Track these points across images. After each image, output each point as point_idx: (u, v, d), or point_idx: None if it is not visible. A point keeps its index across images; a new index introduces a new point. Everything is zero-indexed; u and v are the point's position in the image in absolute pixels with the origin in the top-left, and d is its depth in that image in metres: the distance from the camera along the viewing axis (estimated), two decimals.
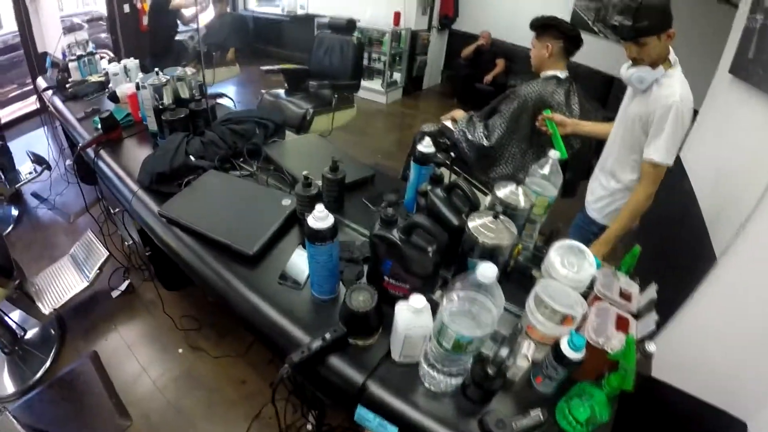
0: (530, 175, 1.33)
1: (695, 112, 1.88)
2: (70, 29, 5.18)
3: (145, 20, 5.03)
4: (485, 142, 2.29)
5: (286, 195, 1.64)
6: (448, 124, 2.53)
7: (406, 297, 1.01)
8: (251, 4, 7.84)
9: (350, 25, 4.00)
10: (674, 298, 1.53)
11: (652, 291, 1.12)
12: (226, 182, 1.78)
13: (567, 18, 5.79)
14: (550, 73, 2.28)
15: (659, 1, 1.60)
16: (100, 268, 2.48)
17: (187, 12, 4.98)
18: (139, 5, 6.04)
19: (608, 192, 1.98)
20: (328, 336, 1.05)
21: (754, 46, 1.90)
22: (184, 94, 2.13)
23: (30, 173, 3.70)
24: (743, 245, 1.38)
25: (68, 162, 3.58)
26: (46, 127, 3.92)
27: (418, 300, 0.97)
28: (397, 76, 6.38)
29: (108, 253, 2.55)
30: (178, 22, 4.96)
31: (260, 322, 1.23)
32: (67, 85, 2.88)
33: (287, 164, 1.90)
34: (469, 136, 2.35)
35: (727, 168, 1.89)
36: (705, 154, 2.20)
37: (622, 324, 1.06)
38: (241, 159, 1.96)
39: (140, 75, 2.54)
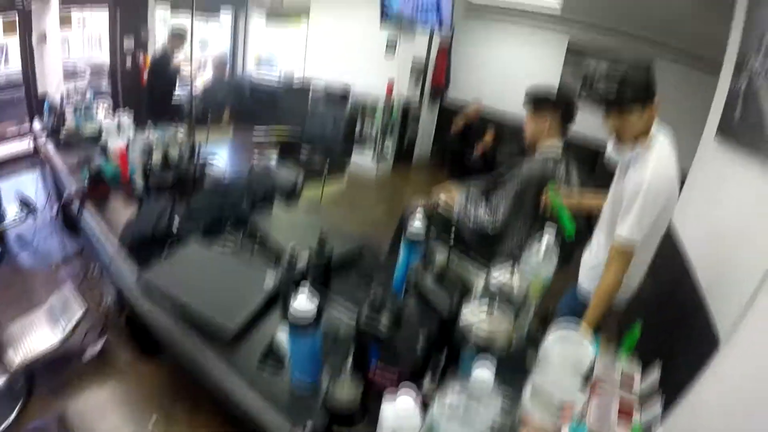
0: (524, 259, 1.30)
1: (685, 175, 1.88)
2: (72, 74, 5.28)
3: (145, 75, 5.20)
4: (489, 223, 2.26)
5: (270, 270, 1.58)
6: (444, 200, 2.50)
7: (394, 385, 0.93)
8: (250, 68, 8.09)
9: (344, 96, 4.09)
10: (678, 375, 1.45)
11: (655, 372, 1.06)
12: (209, 253, 1.72)
13: (555, 85, 6.08)
14: (547, 147, 2.27)
15: (643, 72, 1.63)
16: (76, 324, 2.36)
17: (187, 72, 5.11)
18: (141, 60, 6.23)
19: (599, 264, 1.93)
20: (307, 428, 0.97)
21: (740, 107, 1.93)
22: (175, 156, 2.12)
23: (15, 216, 3.64)
24: (753, 320, 1.31)
25: (54, 207, 3.56)
26: (39, 170, 3.88)
27: (405, 402, 0.87)
28: (388, 146, 6.45)
29: (85, 309, 2.45)
30: (178, 80, 5.09)
31: (236, 405, 1.15)
32: (62, 132, 2.91)
33: (273, 236, 1.85)
34: (472, 216, 2.31)
35: (721, 232, 1.87)
36: (697, 218, 2.19)
37: (625, 410, 0.99)
38: (227, 228, 1.92)
39: (132, 132, 2.54)
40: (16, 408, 2.20)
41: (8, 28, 5.64)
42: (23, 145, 5.23)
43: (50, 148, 2.81)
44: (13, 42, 5.37)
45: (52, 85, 5.00)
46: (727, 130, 2.10)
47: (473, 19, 6.62)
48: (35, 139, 3.69)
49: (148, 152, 2.06)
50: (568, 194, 2.08)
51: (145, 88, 5.10)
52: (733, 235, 1.78)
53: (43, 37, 5.47)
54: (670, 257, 2.11)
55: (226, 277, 1.58)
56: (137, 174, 2.11)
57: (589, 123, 2.51)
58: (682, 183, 1.77)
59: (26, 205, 3.60)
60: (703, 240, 2.03)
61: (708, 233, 2.03)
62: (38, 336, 2.34)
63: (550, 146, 2.26)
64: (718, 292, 1.70)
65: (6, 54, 6.09)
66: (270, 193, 2.25)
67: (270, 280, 1.52)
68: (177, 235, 1.76)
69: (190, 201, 1.95)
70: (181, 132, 2.30)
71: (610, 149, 1.77)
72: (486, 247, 2.28)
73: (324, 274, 1.57)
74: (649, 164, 1.61)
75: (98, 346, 2.59)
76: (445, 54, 6.58)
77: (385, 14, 5.94)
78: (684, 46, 5.09)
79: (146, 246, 1.70)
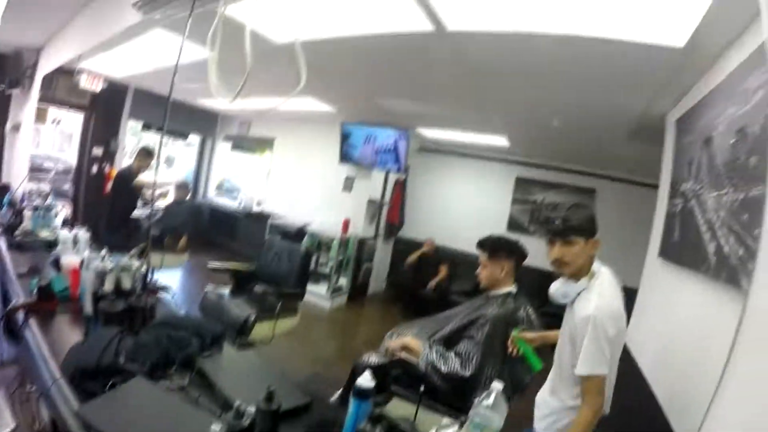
0: (474, 407, 1.27)
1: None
2: (37, 169, 5.17)
3: (109, 186, 5.18)
4: (465, 372, 2.20)
5: (215, 420, 1.47)
6: (404, 355, 2.40)
7: None
8: (211, 193, 8.20)
9: (300, 233, 4.14)
10: None
11: None
12: (153, 394, 1.58)
13: (505, 221, 6.42)
14: (504, 290, 2.38)
15: (587, 210, 1.76)
16: None
17: (149, 192, 5.09)
18: (106, 170, 6.22)
19: (552, 410, 1.88)
20: None
21: (678, 229, 2.06)
22: (127, 285, 2.05)
23: None
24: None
25: None
26: None
27: None
28: (343, 281, 6.43)
29: (15, 425, 2.17)
30: (140, 198, 5.07)
31: None
32: (16, 232, 2.81)
33: (220, 383, 1.74)
34: (444, 369, 2.24)
35: (673, 347, 1.89)
36: (650, 335, 2.22)
37: None
38: (173, 369, 1.80)
39: (87, 252, 2.46)
40: None
41: None
42: None
43: (2, 246, 2.71)
44: None
45: (16, 178, 4.88)
46: (668, 250, 2.22)
47: (427, 155, 7.10)
48: None
49: (101, 277, 1.99)
50: (530, 334, 2.12)
51: (106, 198, 5.08)
52: (684, 350, 1.81)
53: (16, 127, 5.48)
54: (629, 375, 2.11)
55: (169, 423, 1.45)
56: (87, 296, 2.02)
57: (535, 255, 2.65)
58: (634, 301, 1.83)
59: None
60: (658, 355, 2.06)
61: (661, 349, 2.06)
62: None
63: (507, 288, 2.38)
64: (676, 405, 1.69)
65: None
66: (221, 331, 2.16)
67: (215, 429, 1.41)
68: (122, 369, 1.64)
69: (139, 334, 1.86)
70: (135, 261, 2.25)
71: (553, 289, 1.82)
72: (462, 395, 2.21)
73: (271, 430, 1.48)
74: (593, 299, 1.66)
75: None
76: (399, 190, 6.90)
77: (345, 158, 6.28)
78: (624, 175, 5.67)
79: (89, 376, 1.58)
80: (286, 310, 3.77)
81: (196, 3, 2.06)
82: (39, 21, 4.18)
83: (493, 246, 2.40)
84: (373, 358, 2.30)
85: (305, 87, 1.94)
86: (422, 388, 1.98)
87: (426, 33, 2.40)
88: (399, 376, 2.25)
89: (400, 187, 6.93)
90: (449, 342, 2.38)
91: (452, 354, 2.29)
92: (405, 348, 2.37)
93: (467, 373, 2.20)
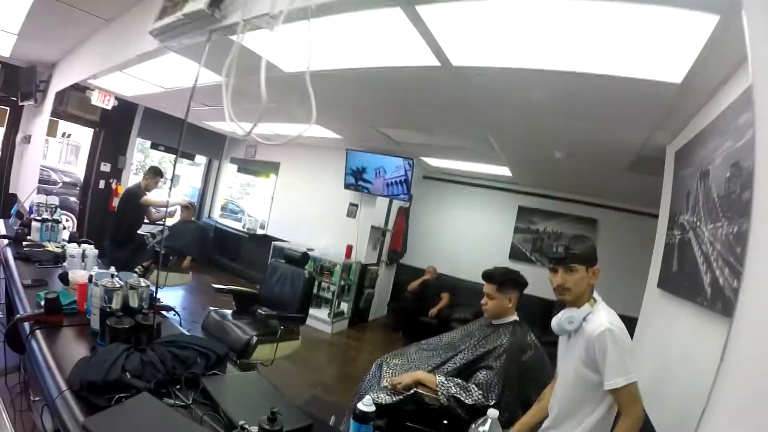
0: None
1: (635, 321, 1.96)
2: (43, 185, 5.25)
3: (115, 201, 5.30)
4: (489, 402, 2.25)
5: None
6: (421, 390, 2.41)
7: None
8: (215, 214, 8.25)
9: (304, 259, 4.18)
10: None
11: None
12: (159, 410, 1.61)
13: (507, 249, 6.46)
14: (510, 319, 2.52)
15: (589, 240, 1.83)
16: None
17: (155, 212, 5.24)
18: (114, 186, 6.28)
19: None
20: None
21: (676, 260, 2.09)
22: (134, 303, 2.08)
23: None
24: None
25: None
26: None
27: None
28: (344, 306, 6.46)
29: None
30: (145, 215, 5.19)
31: None
32: (24, 243, 2.84)
33: (224, 403, 1.78)
34: (469, 401, 2.28)
35: (670, 376, 1.91)
36: (647, 364, 2.23)
37: None
38: (178, 387, 1.83)
39: (96, 268, 2.50)
40: None
41: None
42: None
43: (9, 256, 2.74)
44: None
45: (25, 189, 4.93)
46: (666, 281, 2.26)
47: (430, 182, 7.23)
48: None
49: (109, 294, 2.04)
50: None
51: (112, 213, 5.17)
52: (679, 379, 1.83)
53: (27, 138, 5.59)
54: None
55: None
56: (94, 312, 2.06)
57: (535, 283, 2.72)
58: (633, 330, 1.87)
59: None
60: (655, 384, 2.06)
61: (659, 378, 2.07)
62: None
63: (512, 317, 2.54)
64: None
65: None
66: (225, 351, 2.20)
67: None
68: (129, 385, 1.68)
69: (145, 351, 1.89)
70: (143, 281, 2.30)
71: (556, 320, 1.86)
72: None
73: None
74: (603, 317, 1.73)
75: None
76: (403, 217, 6.97)
77: (360, 189, 6.38)
78: (625, 205, 5.76)
79: (95, 390, 1.62)
80: (287, 334, 3.79)
81: (212, 33, 2.14)
82: (55, 38, 4.30)
83: (501, 278, 2.51)
84: (383, 396, 2.36)
85: (307, 114, 2.01)
86: (445, 422, 2.03)
87: (432, 67, 2.47)
88: (411, 411, 2.32)
89: (404, 214, 7.00)
90: (462, 373, 2.44)
91: (473, 385, 2.34)
92: (418, 383, 2.40)
93: (491, 402, 2.24)
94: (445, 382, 2.35)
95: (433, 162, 6.41)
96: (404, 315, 6.50)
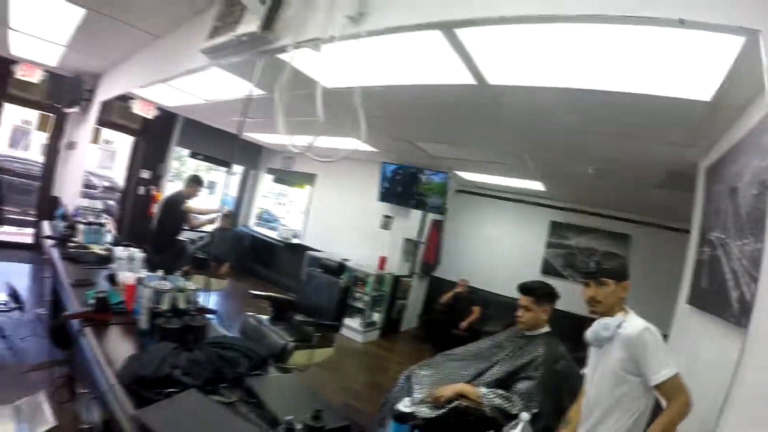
0: None
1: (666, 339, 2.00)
2: (87, 189, 5.48)
3: (154, 208, 5.47)
4: (530, 410, 2.27)
5: None
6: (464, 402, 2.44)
7: None
8: (251, 222, 8.43)
9: (341, 268, 4.30)
10: None
11: None
12: (206, 406, 1.72)
13: (539, 264, 6.47)
14: (543, 330, 2.61)
15: (621, 258, 1.91)
16: None
17: (196, 218, 5.42)
18: (153, 192, 6.52)
19: None
20: None
21: (706, 276, 2.12)
22: (182, 305, 2.21)
23: (2, 304, 3.49)
24: None
25: (42, 311, 3.47)
26: (32, 266, 3.79)
27: None
28: (376, 316, 6.53)
29: (56, 424, 2.29)
30: (185, 222, 5.35)
31: None
32: (70, 244, 2.95)
33: (268, 401, 1.89)
34: (513, 410, 2.32)
35: (698, 391, 1.93)
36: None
37: None
38: (224, 385, 1.95)
39: (144, 272, 2.61)
40: None
41: (41, 124, 6.02)
42: (23, 236, 5.52)
43: (56, 254, 2.87)
44: (38, 137, 5.74)
45: (68, 193, 5.18)
46: (696, 297, 2.28)
47: (464, 196, 7.25)
48: (38, 237, 3.70)
49: (158, 295, 2.16)
50: None
51: (155, 219, 5.37)
52: (707, 394, 1.85)
53: (71, 144, 5.85)
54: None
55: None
56: (142, 312, 2.18)
57: (567, 298, 2.81)
58: None
59: (15, 298, 3.46)
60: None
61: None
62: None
63: (545, 328, 2.62)
64: None
65: (29, 144, 6.38)
66: (267, 354, 2.31)
67: None
68: (178, 381, 1.79)
69: (193, 351, 2.01)
70: (190, 284, 2.43)
71: (591, 329, 1.93)
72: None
73: None
74: (638, 321, 1.82)
75: None
76: (436, 230, 7.03)
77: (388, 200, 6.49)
78: (658, 221, 5.72)
79: (145, 385, 1.73)
80: (322, 341, 3.90)
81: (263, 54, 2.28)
82: (103, 51, 4.54)
83: (540, 291, 2.60)
84: (423, 410, 2.35)
85: (349, 129, 2.11)
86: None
87: (468, 85, 2.56)
88: (451, 424, 2.35)
89: (437, 227, 7.06)
90: (502, 383, 2.50)
91: (516, 397, 2.39)
92: (460, 395, 2.43)
93: (533, 411, 2.29)
94: (488, 393, 2.40)
95: (467, 176, 6.46)
96: (435, 327, 6.52)
